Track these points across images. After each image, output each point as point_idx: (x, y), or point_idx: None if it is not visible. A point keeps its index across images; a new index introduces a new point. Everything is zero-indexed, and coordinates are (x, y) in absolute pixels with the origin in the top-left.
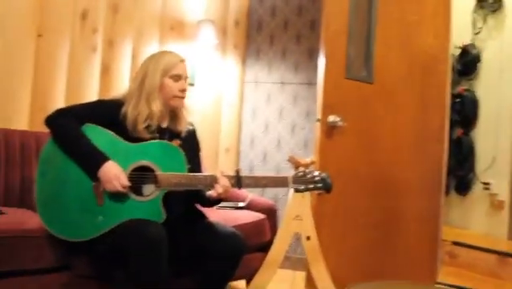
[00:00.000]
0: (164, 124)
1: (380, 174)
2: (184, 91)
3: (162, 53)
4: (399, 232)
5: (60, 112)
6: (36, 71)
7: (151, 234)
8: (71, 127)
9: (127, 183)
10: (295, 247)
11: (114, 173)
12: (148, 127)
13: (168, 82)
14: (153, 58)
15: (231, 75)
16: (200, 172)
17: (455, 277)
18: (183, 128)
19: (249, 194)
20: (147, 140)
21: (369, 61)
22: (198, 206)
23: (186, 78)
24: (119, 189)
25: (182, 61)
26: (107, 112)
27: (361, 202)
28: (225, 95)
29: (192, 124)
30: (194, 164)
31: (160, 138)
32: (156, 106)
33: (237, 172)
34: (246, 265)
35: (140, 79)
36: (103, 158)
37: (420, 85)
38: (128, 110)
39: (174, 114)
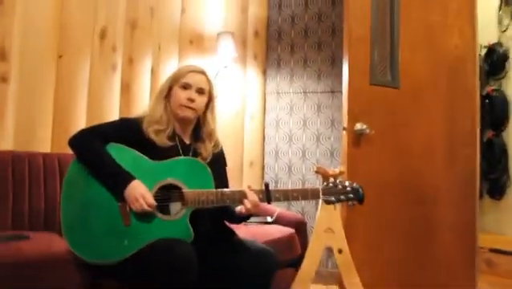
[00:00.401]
0: (187, 140)
1: (412, 182)
2: (191, 100)
3: (183, 65)
4: (434, 241)
5: (83, 133)
6: (57, 91)
7: (180, 254)
8: (94, 147)
9: (153, 202)
10: (326, 261)
11: (140, 193)
12: (161, 131)
13: (177, 90)
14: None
15: (252, 87)
16: (227, 188)
17: (495, 286)
18: (208, 154)
19: (277, 208)
20: (170, 156)
21: (394, 65)
22: (226, 223)
23: (200, 89)
24: (146, 208)
25: (196, 72)
26: (131, 131)
27: (393, 212)
28: (247, 108)
29: (219, 146)
30: (221, 179)
31: (184, 155)
32: (160, 108)
33: (266, 186)
34: (278, 281)
35: (158, 91)
36: (128, 178)
37: (447, 87)
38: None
39: (201, 137)
